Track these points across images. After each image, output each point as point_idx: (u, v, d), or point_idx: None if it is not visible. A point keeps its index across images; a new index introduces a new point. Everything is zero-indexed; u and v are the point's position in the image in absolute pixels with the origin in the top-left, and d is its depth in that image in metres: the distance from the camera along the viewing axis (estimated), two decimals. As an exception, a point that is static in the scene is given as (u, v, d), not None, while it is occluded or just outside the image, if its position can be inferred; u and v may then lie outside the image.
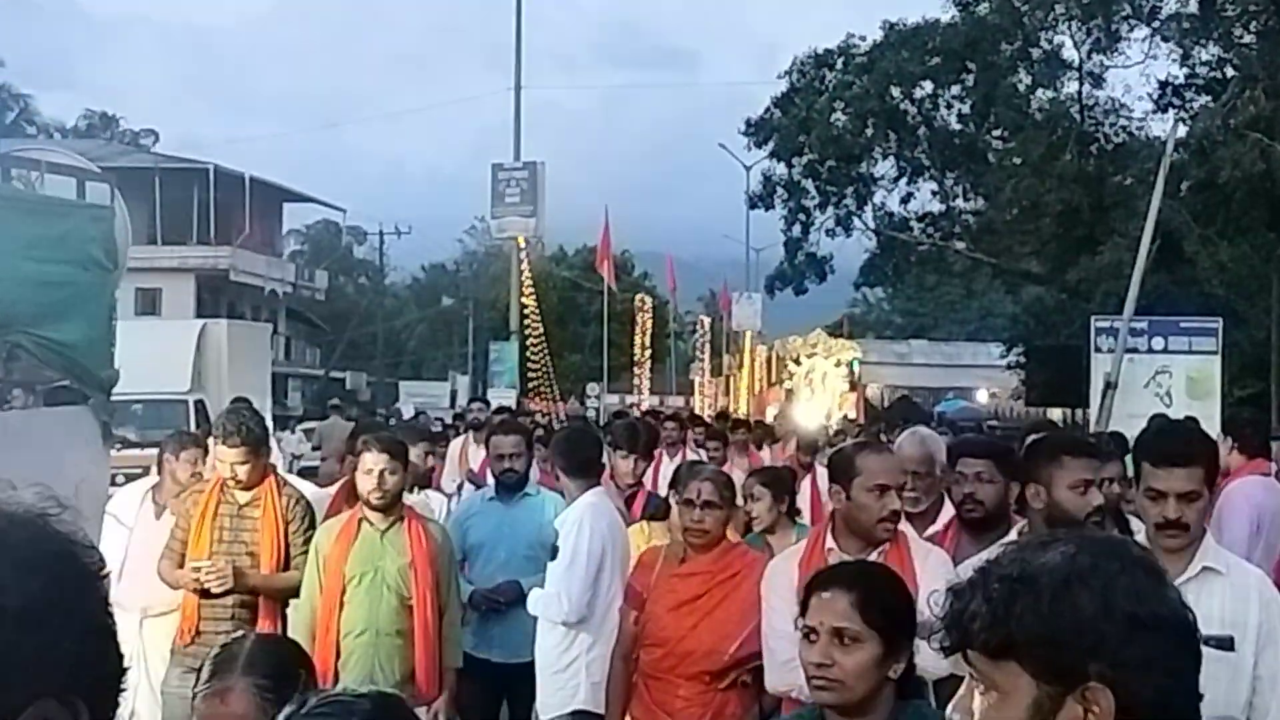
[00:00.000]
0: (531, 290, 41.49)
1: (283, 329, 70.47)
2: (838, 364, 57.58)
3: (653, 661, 6.60)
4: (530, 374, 40.87)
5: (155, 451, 9.55)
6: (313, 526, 7.95)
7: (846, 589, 4.17)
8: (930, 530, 6.61)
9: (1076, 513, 5.46)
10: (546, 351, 41.14)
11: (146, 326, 32.25)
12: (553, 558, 7.65)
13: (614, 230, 49.81)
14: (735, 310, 64.07)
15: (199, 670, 4.02)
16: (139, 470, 10.57)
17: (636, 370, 56.06)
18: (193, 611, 7.77)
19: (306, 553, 7.76)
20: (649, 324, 57.18)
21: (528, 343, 40.91)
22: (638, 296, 59.65)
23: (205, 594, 7.72)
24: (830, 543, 5.74)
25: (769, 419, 38.90)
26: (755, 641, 6.13)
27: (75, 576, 1.76)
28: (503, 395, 37.83)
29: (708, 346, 64.72)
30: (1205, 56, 40.38)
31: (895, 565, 5.21)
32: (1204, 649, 4.56)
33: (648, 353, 56.55)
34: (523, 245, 41.56)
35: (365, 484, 7.43)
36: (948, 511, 6.86)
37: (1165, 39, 40.14)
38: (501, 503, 9.05)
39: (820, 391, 55.25)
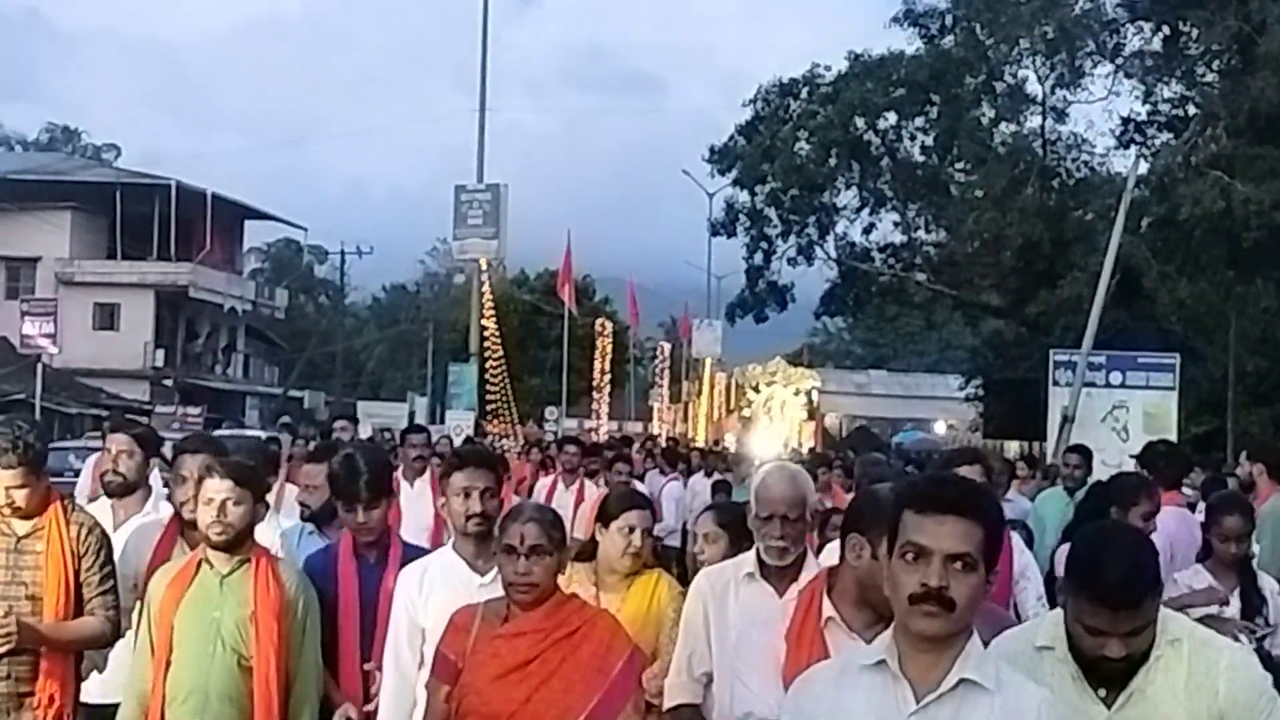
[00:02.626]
0: (492, 313, 41.43)
1: (241, 347, 70.30)
2: (797, 393, 57.86)
3: None
4: (489, 396, 40.79)
5: None
6: (110, 560, 6.60)
7: None
8: (794, 589, 5.45)
9: None
10: (506, 374, 41.09)
11: None
12: None
13: (576, 254, 49.92)
14: (695, 337, 64.17)
15: None
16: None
17: (596, 395, 56.05)
18: None
19: (105, 594, 6.49)
20: (609, 349, 57.21)
21: (487, 365, 40.84)
22: (598, 321, 59.70)
23: None
24: (829, 609, 4.67)
25: (727, 446, 38.98)
26: (604, 715, 5.28)
27: None
28: (461, 417, 37.80)
29: (667, 372, 64.81)
30: (1167, 94, 40.68)
31: None
32: None
33: (607, 377, 56.56)
34: (484, 267, 41.51)
35: (205, 516, 6.14)
36: (814, 565, 5.73)
37: (1128, 76, 40.41)
38: (322, 539, 7.68)
39: (779, 420, 55.43)
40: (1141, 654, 3.97)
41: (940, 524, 3.59)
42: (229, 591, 6.10)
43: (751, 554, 5.79)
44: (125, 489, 7.53)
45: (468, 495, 6.18)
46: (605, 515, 6.71)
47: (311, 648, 6.23)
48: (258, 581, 6.10)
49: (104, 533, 6.64)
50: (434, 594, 6.03)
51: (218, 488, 6.11)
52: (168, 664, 6.02)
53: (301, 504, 8.05)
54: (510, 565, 5.35)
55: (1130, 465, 17.13)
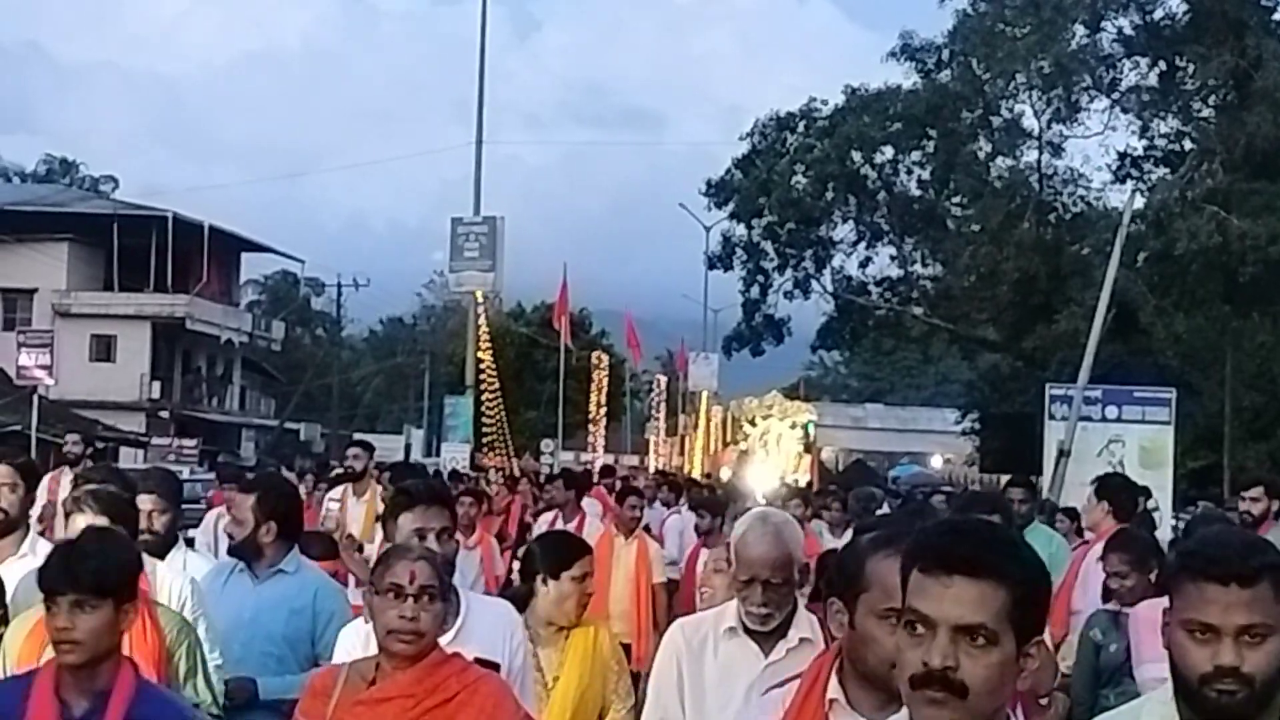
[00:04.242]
0: (488, 345, 41.34)
1: (238, 379, 70.20)
2: (793, 426, 57.61)
3: None
4: (485, 429, 40.70)
5: None
6: (4, 623, 5.54)
7: None
8: (782, 646, 4.81)
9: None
10: (502, 407, 40.99)
11: None
12: None
13: (573, 287, 49.86)
14: (692, 370, 64.07)
15: None
16: None
17: (592, 428, 55.96)
18: None
19: None
20: (605, 382, 57.14)
21: (483, 398, 40.73)
22: (594, 354, 59.63)
23: None
24: (835, 690, 3.84)
25: (722, 479, 38.83)
26: None
27: None
28: (456, 450, 37.71)
29: (663, 405, 64.69)
30: (1164, 129, 40.79)
31: None
32: None
33: (603, 410, 56.48)
34: (480, 300, 41.40)
35: None
36: (806, 621, 4.93)
37: (1125, 110, 40.50)
38: (252, 580, 6.59)
39: (775, 453, 55.24)
40: (1265, 686, 3.14)
41: (946, 587, 2.72)
42: None
43: (734, 605, 4.98)
44: (6, 527, 6.43)
45: (421, 538, 5.33)
46: (553, 564, 6.04)
47: (197, 693, 5.46)
48: (133, 630, 4.97)
49: (1, 589, 5.70)
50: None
51: (90, 524, 5.24)
52: None
53: (229, 535, 7.56)
54: (394, 608, 4.50)
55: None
